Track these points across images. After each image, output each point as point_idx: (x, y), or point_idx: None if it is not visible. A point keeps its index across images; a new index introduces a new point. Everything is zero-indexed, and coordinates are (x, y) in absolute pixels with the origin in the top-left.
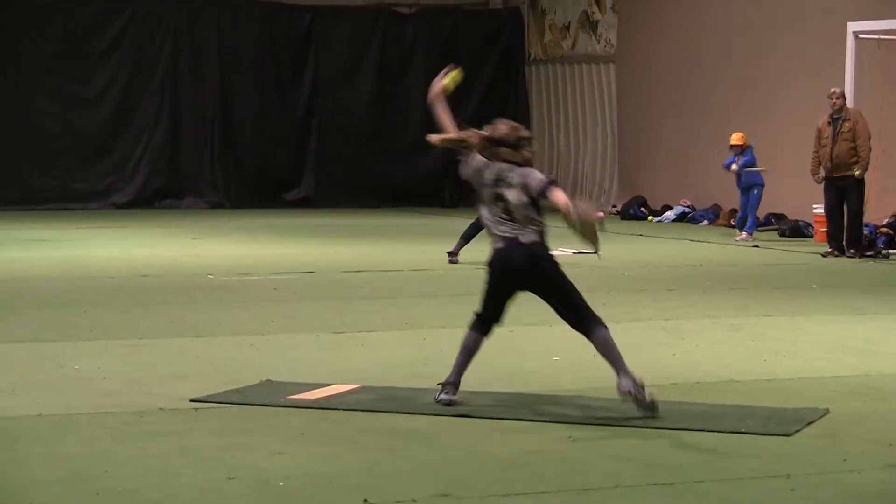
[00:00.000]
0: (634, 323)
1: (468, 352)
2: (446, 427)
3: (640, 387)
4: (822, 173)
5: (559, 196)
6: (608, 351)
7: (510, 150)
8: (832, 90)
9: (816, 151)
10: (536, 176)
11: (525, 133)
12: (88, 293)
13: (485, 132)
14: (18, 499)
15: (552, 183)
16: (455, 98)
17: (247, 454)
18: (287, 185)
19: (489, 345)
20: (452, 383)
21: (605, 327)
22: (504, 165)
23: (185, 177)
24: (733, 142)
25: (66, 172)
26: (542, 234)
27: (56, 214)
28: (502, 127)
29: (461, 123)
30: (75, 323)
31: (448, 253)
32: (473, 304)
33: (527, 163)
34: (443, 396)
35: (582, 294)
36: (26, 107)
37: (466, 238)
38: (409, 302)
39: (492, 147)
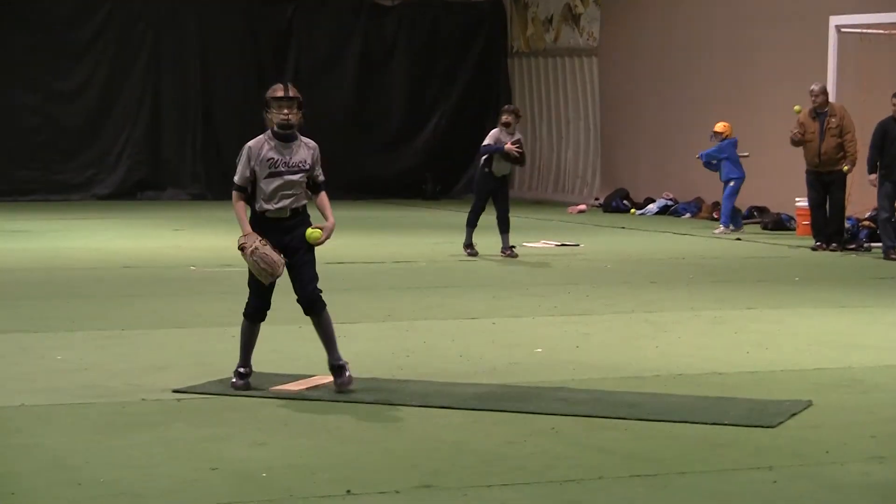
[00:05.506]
0: (617, 315)
1: None
2: (429, 419)
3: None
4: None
5: None
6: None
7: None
8: (813, 87)
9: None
10: None
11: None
12: (70, 284)
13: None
14: (0, 490)
15: None
16: (438, 90)
17: (228, 445)
18: None
19: (472, 337)
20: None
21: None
22: None
23: (167, 169)
24: (716, 130)
25: (48, 164)
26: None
27: (37, 205)
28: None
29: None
30: (57, 314)
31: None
32: (455, 295)
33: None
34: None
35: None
36: (6, 100)
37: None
38: (391, 294)
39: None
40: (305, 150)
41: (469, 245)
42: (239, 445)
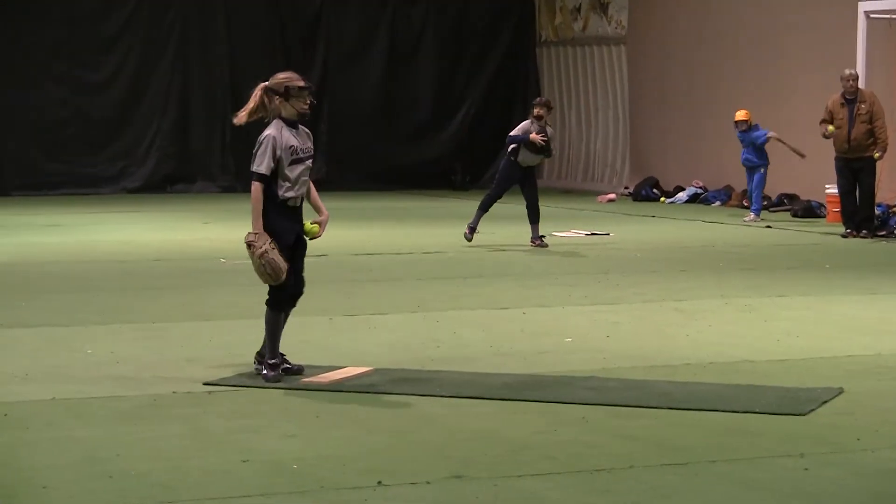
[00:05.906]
0: (647, 304)
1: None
2: (459, 409)
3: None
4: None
5: None
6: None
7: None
8: (846, 72)
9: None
10: None
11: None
12: (100, 278)
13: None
14: (31, 483)
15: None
16: (466, 80)
17: (259, 437)
18: None
19: (501, 327)
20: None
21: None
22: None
23: (196, 161)
24: (739, 118)
25: (77, 158)
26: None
27: (67, 199)
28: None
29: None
30: (87, 307)
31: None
32: (484, 285)
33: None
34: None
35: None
36: (36, 92)
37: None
38: (420, 285)
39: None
40: (308, 136)
41: (473, 228)
42: (270, 437)
